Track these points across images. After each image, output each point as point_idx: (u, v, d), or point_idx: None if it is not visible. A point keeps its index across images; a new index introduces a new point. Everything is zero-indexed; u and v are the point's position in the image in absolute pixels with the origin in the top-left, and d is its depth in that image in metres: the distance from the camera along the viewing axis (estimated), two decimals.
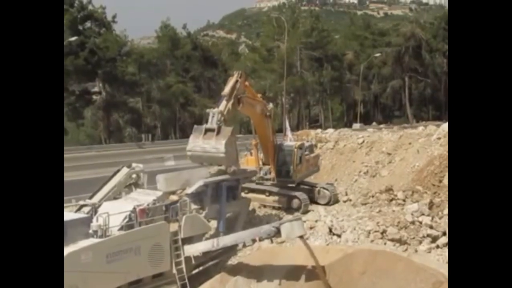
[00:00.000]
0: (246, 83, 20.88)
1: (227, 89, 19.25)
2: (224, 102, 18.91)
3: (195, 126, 19.31)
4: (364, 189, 24.36)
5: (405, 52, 76.00)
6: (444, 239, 18.12)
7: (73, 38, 47.31)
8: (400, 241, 18.16)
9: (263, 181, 23.27)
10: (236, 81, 19.50)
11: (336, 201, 23.78)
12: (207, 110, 19.12)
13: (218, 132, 17.99)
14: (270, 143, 22.85)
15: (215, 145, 17.87)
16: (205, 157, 18.13)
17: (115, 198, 18.22)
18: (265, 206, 23.19)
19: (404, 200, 21.44)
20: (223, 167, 19.40)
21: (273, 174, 23.06)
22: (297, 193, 22.90)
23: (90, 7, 57.38)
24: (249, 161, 23.83)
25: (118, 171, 19.42)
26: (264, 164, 23.35)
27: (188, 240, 16.46)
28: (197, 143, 18.22)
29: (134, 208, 15.73)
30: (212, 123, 18.32)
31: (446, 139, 23.83)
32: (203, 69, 67.04)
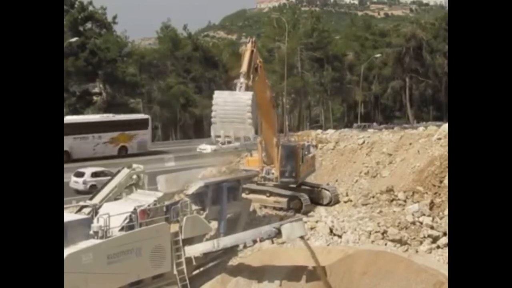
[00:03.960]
0: (260, 59, 20.71)
1: (244, 66, 18.99)
2: (243, 80, 18.73)
3: None
4: (364, 190, 24.32)
5: (406, 52, 76.07)
6: (445, 240, 18.09)
7: (74, 39, 47.40)
8: (400, 242, 18.14)
9: (265, 182, 23.06)
10: (252, 51, 19.36)
11: (337, 201, 23.76)
12: (235, 81, 18.96)
13: None
14: (274, 140, 22.63)
15: (243, 92, 18.21)
16: (231, 102, 17.91)
17: (115, 199, 18.23)
18: (265, 207, 23.13)
19: (404, 201, 21.41)
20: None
21: (275, 174, 22.88)
22: (298, 194, 22.86)
23: (90, 8, 57.46)
24: (250, 162, 23.72)
25: (119, 172, 19.43)
26: (265, 163, 23.13)
27: (188, 241, 16.46)
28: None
29: (135, 209, 15.73)
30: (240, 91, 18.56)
31: (447, 139, 23.79)
32: (204, 70, 67.14)
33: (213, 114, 17.93)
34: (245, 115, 17.81)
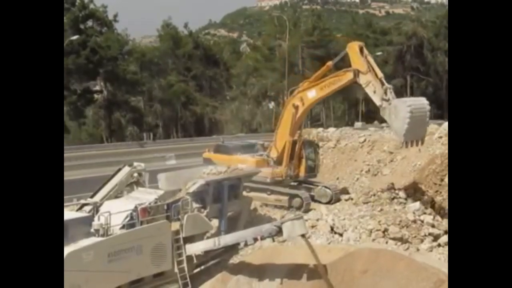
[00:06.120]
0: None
1: (366, 66, 20.09)
2: (389, 85, 19.48)
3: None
4: (365, 188, 24.31)
5: (407, 51, 75.93)
6: (446, 238, 18.09)
7: (75, 37, 47.37)
8: (401, 240, 18.13)
9: (286, 180, 23.11)
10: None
11: (338, 200, 23.75)
12: (387, 86, 19.51)
13: None
14: (297, 136, 23.09)
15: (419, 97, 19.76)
16: (418, 108, 18.88)
17: (116, 197, 18.24)
18: (266, 205, 23.12)
19: (405, 199, 21.41)
20: None
21: (296, 171, 23.18)
22: (299, 192, 22.88)
23: (91, 6, 57.41)
24: (257, 163, 23.43)
25: (120, 170, 19.43)
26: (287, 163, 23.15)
27: (189, 239, 16.48)
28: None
29: (136, 207, 15.74)
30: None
31: (448, 137, 23.77)
32: (205, 68, 67.05)
33: (408, 121, 18.48)
34: (426, 119, 19.16)
